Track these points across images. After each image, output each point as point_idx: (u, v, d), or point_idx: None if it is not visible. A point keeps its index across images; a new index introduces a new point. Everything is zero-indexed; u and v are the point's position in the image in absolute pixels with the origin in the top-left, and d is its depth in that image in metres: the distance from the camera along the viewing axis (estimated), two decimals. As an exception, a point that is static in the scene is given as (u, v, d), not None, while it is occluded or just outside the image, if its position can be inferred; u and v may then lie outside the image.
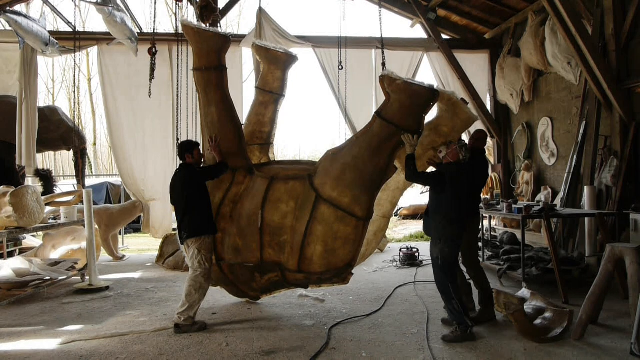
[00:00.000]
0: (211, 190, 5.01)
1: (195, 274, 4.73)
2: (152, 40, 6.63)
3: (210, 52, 5.08)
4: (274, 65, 5.96)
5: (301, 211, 4.70)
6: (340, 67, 7.67)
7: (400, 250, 8.36)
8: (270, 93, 5.99)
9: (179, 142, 5.12)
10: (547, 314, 4.64)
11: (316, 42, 9.91)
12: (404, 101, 4.43)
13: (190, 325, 4.72)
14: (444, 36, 10.62)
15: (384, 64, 7.28)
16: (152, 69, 6.55)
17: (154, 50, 6.49)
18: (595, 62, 7.00)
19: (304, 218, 4.65)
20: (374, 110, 10.21)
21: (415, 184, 5.12)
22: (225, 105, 5.11)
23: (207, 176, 4.90)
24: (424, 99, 4.46)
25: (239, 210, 5.02)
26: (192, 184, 4.80)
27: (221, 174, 4.92)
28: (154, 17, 6.62)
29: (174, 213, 10.40)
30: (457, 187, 4.51)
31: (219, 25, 10.21)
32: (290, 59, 6.05)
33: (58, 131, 9.27)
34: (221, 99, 5.10)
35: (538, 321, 4.55)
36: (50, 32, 8.13)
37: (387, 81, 4.49)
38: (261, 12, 9.33)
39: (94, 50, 10.08)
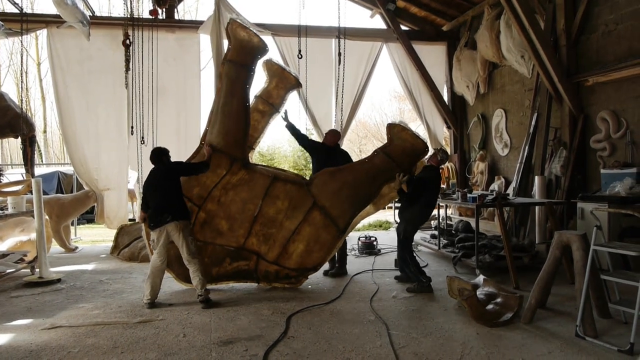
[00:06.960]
0: (208, 173, 5.49)
1: (195, 259, 5.23)
2: (125, 29, 6.55)
3: (249, 53, 5.62)
4: (282, 84, 6.62)
5: (293, 211, 5.55)
6: (300, 56, 7.60)
7: (359, 239, 8.47)
8: (272, 105, 6.61)
9: (155, 148, 5.47)
10: (499, 299, 4.80)
11: (275, 30, 9.81)
12: (407, 148, 5.54)
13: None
14: (403, 27, 10.72)
15: (340, 54, 7.28)
16: (127, 61, 6.46)
17: (128, 42, 6.37)
18: (546, 56, 7.23)
19: (297, 218, 5.54)
20: (334, 99, 10.29)
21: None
22: (245, 101, 5.63)
23: (191, 171, 5.42)
24: (421, 151, 5.60)
25: (231, 196, 5.63)
26: (177, 177, 5.33)
27: (200, 173, 5.45)
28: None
29: (129, 203, 10.20)
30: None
31: (175, 11, 9.97)
32: (297, 84, 6.77)
33: (5, 118, 8.82)
34: (244, 94, 5.61)
35: (490, 306, 4.70)
36: (-5, 13, 7.73)
37: (398, 128, 5.53)
38: (219, -2, 9.14)
39: (43, 33, 9.63)
